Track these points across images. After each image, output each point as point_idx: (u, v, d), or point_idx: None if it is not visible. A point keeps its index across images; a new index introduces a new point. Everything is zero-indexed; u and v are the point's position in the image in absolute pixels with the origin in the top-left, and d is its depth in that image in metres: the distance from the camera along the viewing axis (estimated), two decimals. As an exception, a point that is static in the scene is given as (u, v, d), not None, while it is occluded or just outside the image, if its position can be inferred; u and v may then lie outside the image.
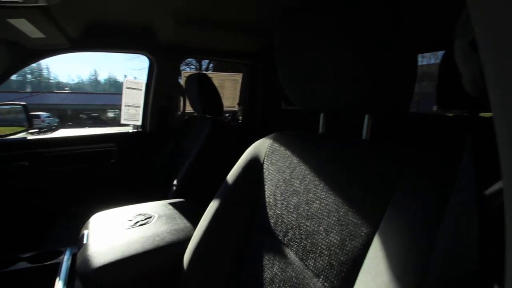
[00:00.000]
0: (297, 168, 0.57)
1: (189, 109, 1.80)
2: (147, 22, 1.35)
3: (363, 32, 0.44)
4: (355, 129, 0.59)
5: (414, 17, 1.11)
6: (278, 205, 0.58)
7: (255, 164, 0.66)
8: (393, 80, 0.45)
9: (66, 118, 20.70)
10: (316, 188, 0.51)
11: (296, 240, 0.52)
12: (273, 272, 0.54)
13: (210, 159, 1.36)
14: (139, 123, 1.82)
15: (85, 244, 0.73)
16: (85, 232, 0.79)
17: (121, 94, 1.84)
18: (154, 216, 0.86)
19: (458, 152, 0.37)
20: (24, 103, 1.50)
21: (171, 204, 0.97)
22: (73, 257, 0.99)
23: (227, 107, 2.48)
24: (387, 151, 0.47)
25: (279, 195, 0.58)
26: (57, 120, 17.06)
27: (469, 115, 1.05)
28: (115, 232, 0.77)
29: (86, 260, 0.67)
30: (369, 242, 0.40)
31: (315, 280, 0.46)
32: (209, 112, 1.49)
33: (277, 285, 0.52)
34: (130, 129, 1.83)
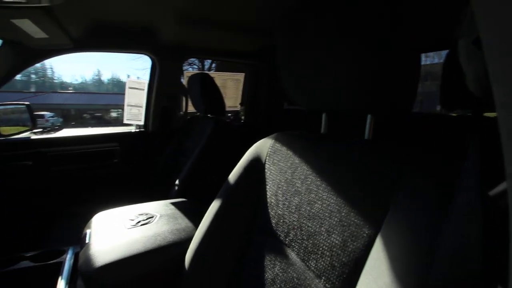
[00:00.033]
0: (299, 168, 0.57)
1: (191, 109, 1.80)
2: (149, 22, 1.35)
3: (363, 32, 0.44)
4: (357, 129, 0.59)
5: (417, 16, 1.10)
6: (279, 205, 0.57)
7: (256, 164, 0.65)
8: (395, 80, 0.45)
9: (70, 117, 20.82)
10: (318, 189, 0.51)
11: (298, 241, 0.52)
12: (275, 273, 0.54)
13: (212, 159, 1.37)
14: (142, 123, 1.83)
15: (87, 243, 0.73)
16: (87, 231, 0.79)
17: (124, 94, 1.85)
18: (156, 216, 0.86)
19: (462, 152, 0.37)
20: (28, 103, 1.51)
21: (173, 204, 0.97)
22: (76, 256, 0.99)
23: (229, 107, 2.48)
24: (390, 151, 0.46)
25: (280, 195, 0.58)
26: (60, 119, 17.17)
27: (473, 115, 1.04)
28: (117, 231, 0.77)
29: (88, 260, 0.67)
30: (371, 243, 0.40)
31: (317, 281, 0.46)
32: (211, 112, 1.49)
33: (278, 285, 0.52)
34: (132, 129, 1.84)
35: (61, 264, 0.96)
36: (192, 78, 1.53)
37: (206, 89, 1.44)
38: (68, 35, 1.22)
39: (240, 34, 1.56)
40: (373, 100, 0.47)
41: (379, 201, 0.41)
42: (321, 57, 0.50)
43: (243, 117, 2.32)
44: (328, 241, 0.46)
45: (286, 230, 0.55)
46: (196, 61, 7.62)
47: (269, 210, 0.59)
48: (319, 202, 0.50)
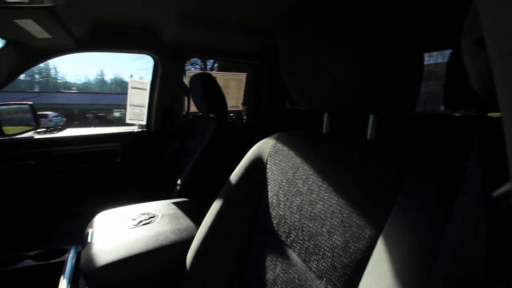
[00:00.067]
0: (300, 169, 0.57)
1: (193, 108, 1.80)
2: (151, 22, 1.35)
3: (364, 32, 0.44)
4: (359, 129, 0.59)
5: (420, 15, 1.10)
6: (281, 205, 0.57)
7: (258, 164, 0.65)
8: (397, 80, 0.45)
9: (73, 117, 20.96)
10: (320, 189, 0.51)
11: (299, 241, 0.51)
12: (276, 273, 0.53)
13: (214, 159, 1.37)
14: (144, 122, 1.83)
15: (89, 242, 0.74)
16: (90, 230, 0.80)
17: (126, 93, 1.86)
18: (158, 216, 0.86)
19: (465, 152, 0.37)
20: (31, 102, 1.52)
21: (174, 203, 0.98)
22: (78, 256, 1.00)
23: (231, 106, 2.49)
24: (392, 151, 0.46)
25: (282, 196, 0.58)
26: (64, 119, 17.29)
27: (477, 115, 1.03)
28: (119, 231, 0.77)
29: (90, 259, 0.67)
30: (373, 244, 0.40)
31: (318, 282, 0.45)
32: (213, 112, 1.50)
33: (279, 286, 0.52)
34: (135, 129, 1.84)
35: (63, 263, 0.97)
36: (194, 78, 1.53)
37: (208, 89, 1.45)
38: (71, 35, 1.22)
39: (242, 34, 1.56)
40: (375, 100, 0.47)
41: (381, 202, 0.41)
42: (322, 57, 0.49)
43: (245, 117, 2.32)
44: (330, 242, 0.45)
45: (287, 231, 0.54)
46: (199, 61, 7.64)
47: (271, 210, 0.59)
48: (320, 203, 0.50)
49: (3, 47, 1.16)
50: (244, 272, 0.61)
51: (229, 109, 2.08)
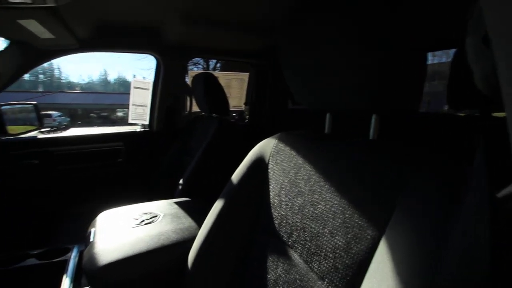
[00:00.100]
0: (302, 169, 0.56)
1: (195, 108, 1.80)
2: (154, 22, 1.36)
3: (365, 32, 0.43)
4: (362, 129, 0.58)
5: (424, 14, 1.09)
6: (282, 206, 0.57)
7: (260, 164, 0.65)
8: (399, 79, 0.44)
9: (77, 117, 21.09)
10: (321, 189, 0.51)
11: (301, 242, 0.51)
12: (277, 274, 0.53)
13: (217, 159, 1.37)
14: (147, 122, 1.84)
15: (91, 242, 0.74)
16: (92, 230, 0.80)
17: (129, 93, 1.86)
18: (160, 215, 0.86)
19: (470, 153, 0.36)
20: (35, 102, 1.53)
21: (176, 203, 0.98)
22: (81, 255, 1.00)
23: (234, 106, 2.49)
24: (394, 151, 0.46)
25: (283, 196, 0.57)
26: (67, 119, 17.42)
27: (481, 114, 1.02)
28: (121, 230, 0.77)
29: (92, 258, 0.68)
30: (375, 246, 0.39)
31: (320, 283, 0.45)
32: (215, 112, 1.50)
33: (281, 287, 0.52)
34: (137, 129, 1.85)
35: (66, 262, 0.97)
36: (196, 77, 1.53)
37: (209, 89, 1.45)
38: (74, 36, 1.23)
39: (244, 34, 1.56)
40: (378, 100, 0.47)
41: (383, 203, 0.41)
42: (324, 57, 0.49)
43: (247, 117, 2.32)
44: (332, 242, 0.45)
45: (289, 231, 0.54)
46: (201, 61, 7.64)
47: (272, 211, 0.59)
48: (322, 203, 0.49)
49: (6, 47, 1.17)
50: (246, 272, 0.61)
51: (232, 109, 2.08)
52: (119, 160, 1.70)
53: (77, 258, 0.99)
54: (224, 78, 2.53)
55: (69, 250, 1.04)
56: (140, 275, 0.69)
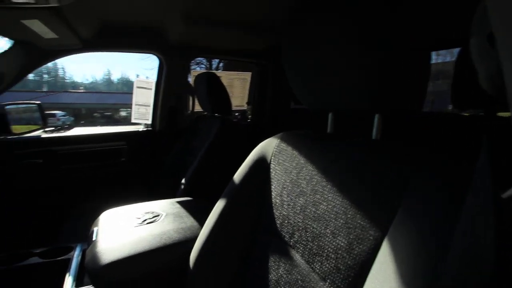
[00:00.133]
0: (304, 169, 0.56)
1: (198, 108, 1.81)
2: (156, 22, 1.36)
3: (367, 32, 0.43)
4: (364, 129, 0.58)
5: (428, 13, 1.08)
6: (284, 206, 0.57)
7: (262, 164, 0.65)
8: (403, 79, 0.44)
9: (81, 116, 21.23)
10: (324, 189, 0.50)
11: (303, 242, 0.51)
12: (279, 274, 0.53)
13: (219, 158, 1.37)
14: (149, 122, 1.84)
15: (94, 241, 0.74)
16: (95, 229, 0.80)
17: (132, 93, 1.87)
18: (162, 215, 0.86)
19: (474, 153, 0.36)
20: (39, 102, 1.54)
21: (178, 202, 0.98)
22: (83, 253, 1.01)
23: (236, 106, 2.49)
24: (397, 151, 0.45)
25: (285, 196, 0.57)
26: (71, 118, 17.54)
27: (486, 114, 1.01)
28: (123, 229, 0.78)
29: (94, 257, 0.68)
30: (378, 246, 0.39)
31: (321, 284, 0.45)
32: (218, 111, 1.50)
33: (282, 287, 0.51)
34: (140, 128, 1.86)
35: (69, 261, 0.98)
36: (198, 77, 1.54)
37: (212, 89, 1.45)
38: (77, 35, 1.23)
39: (247, 34, 1.56)
40: (380, 100, 0.46)
41: (386, 203, 0.40)
42: (327, 57, 0.49)
43: (250, 117, 2.32)
44: (334, 243, 0.45)
45: (291, 231, 0.54)
46: (204, 61, 7.65)
47: (274, 211, 0.59)
48: (324, 203, 0.49)
49: (10, 47, 1.18)
50: (247, 272, 0.61)
51: (234, 108, 2.08)
52: (122, 159, 1.71)
53: (79, 257, 1.00)
54: (227, 77, 2.53)
55: (72, 249, 1.05)
56: (142, 274, 0.69)
